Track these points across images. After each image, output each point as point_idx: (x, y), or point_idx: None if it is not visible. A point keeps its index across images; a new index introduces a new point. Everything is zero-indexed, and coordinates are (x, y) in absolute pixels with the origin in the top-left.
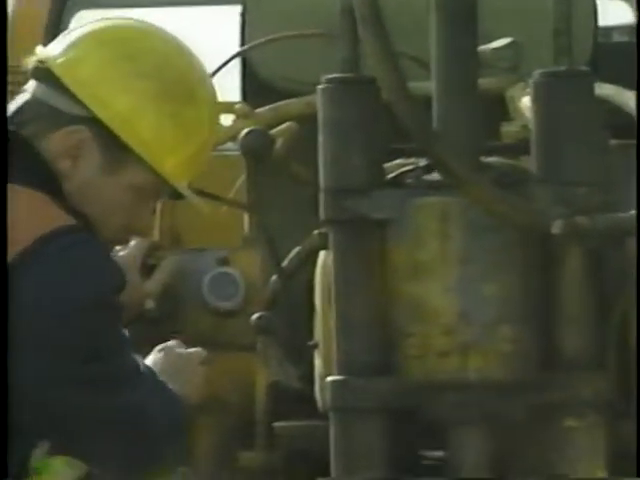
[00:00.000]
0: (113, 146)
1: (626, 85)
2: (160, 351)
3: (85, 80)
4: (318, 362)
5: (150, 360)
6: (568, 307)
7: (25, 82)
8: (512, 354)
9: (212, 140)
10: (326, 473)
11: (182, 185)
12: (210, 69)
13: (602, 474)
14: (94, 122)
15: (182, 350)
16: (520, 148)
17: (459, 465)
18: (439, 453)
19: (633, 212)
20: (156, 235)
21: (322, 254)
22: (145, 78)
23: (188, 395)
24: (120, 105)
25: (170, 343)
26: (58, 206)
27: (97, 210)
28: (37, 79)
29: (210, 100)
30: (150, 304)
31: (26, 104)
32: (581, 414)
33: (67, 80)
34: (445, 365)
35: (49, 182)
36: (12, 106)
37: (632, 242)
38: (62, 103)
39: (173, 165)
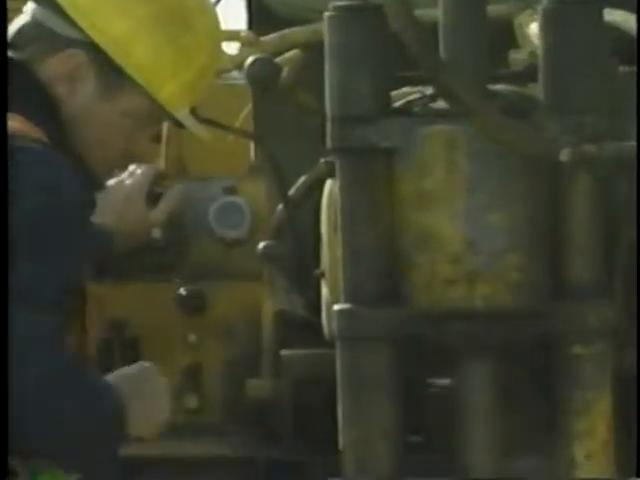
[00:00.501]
0: (110, 71)
1: (635, 11)
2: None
3: (82, 3)
4: (324, 291)
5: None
6: (575, 236)
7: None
8: (519, 283)
9: (212, 67)
10: (333, 401)
11: (182, 113)
12: None
13: (608, 402)
14: (91, 46)
15: (154, 375)
16: (528, 75)
17: (466, 393)
18: (446, 381)
19: None
20: (162, 164)
21: (328, 183)
22: (143, 3)
23: (149, 423)
24: (117, 29)
25: (145, 365)
26: (46, 134)
27: (94, 136)
28: (36, 1)
29: (210, 25)
30: (156, 233)
31: (25, 26)
32: (588, 342)
33: (65, 3)
34: (452, 293)
35: (44, 107)
36: (12, 28)
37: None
38: (60, 26)
39: (171, 92)
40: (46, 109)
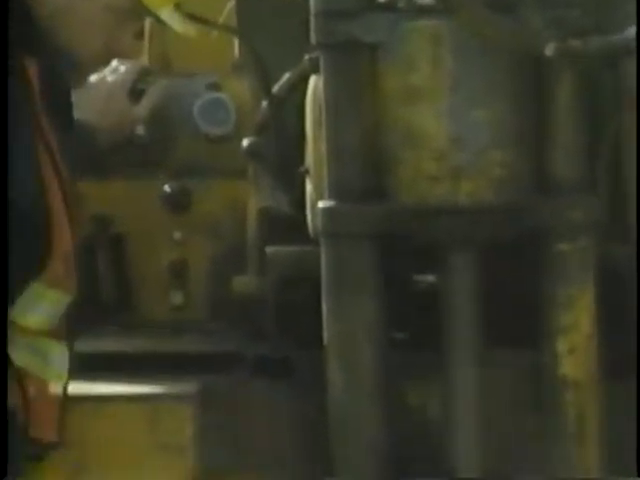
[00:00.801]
0: None
1: None
2: None
3: None
4: (309, 187)
5: None
6: (560, 131)
7: None
8: (503, 178)
9: None
10: (317, 297)
11: (165, 9)
12: None
13: (591, 296)
14: None
15: None
16: None
17: (451, 287)
18: (431, 278)
19: (626, 33)
20: (145, 60)
21: (313, 79)
22: None
23: None
24: None
25: None
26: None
27: (76, 30)
28: None
29: None
30: (140, 130)
31: None
32: (572, 237)
33: None
34: (436, 190)
35: (23, 5)
36: None
37: (624, 64)
38: None
39: None
40: (25, 6)
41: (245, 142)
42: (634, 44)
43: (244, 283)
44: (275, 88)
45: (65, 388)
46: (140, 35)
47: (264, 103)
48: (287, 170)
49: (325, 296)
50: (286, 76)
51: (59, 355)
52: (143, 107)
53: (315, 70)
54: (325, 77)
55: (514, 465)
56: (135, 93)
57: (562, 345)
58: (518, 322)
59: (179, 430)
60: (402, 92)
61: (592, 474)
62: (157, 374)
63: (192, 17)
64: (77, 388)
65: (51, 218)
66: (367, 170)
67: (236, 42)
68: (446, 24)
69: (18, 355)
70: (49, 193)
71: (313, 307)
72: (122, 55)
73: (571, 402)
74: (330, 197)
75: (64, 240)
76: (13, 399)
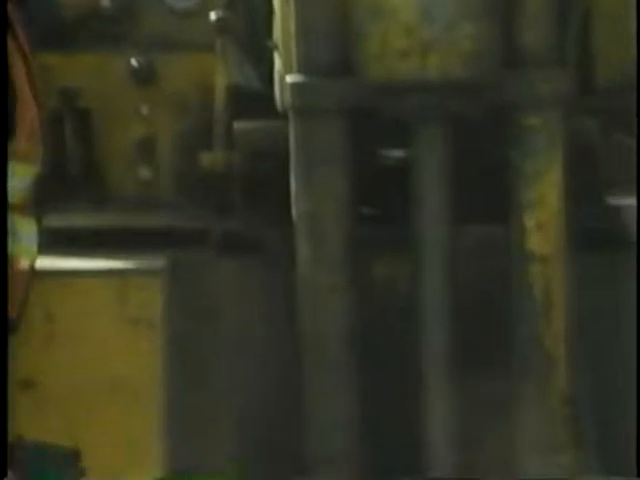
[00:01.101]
0: None
1: None
2: None
3: None
4: (277, 63)
5: None
6: (529, 3)
7: None
8: (473, 52)
9: None
10: (286, 173)
11: None
12: None
13: (559, 170)
14: None
15: None
16: None
17: (420, 164)
18: (400, 153)
19: None
20: None
21: None
22: None
23: None
24: None
25: None
26: None
27: None
28: None
29: None
30: (105, 2)
31: None
32: (540, 111)
33: None
34: (405, 65)
35: None
36: None
37: None
38: None
39: None
40: None
41: (213, 16)
42: None
43: (211, 158)
44: None
45: (33, 264)
46: None
47: None
48: (255, 45)
49: (294, 171)
50: None
51: (28, 231)
52: None
53: None
54: None
55: (481, 335)
56: None
57: (529, 220)
58: (487, 197)
59: (148, 304)
60: None
61: (557, 344)
62: (126, 249)
63: None
64: (46, 263)
65: (15, 92)
66: (336, 45)
67: None
68: None
69: None
70: (12, 68)
71: (281, 182)
72: None
73: (538, 277)
74: (298, 72)
75: (29, 114)
76: None
